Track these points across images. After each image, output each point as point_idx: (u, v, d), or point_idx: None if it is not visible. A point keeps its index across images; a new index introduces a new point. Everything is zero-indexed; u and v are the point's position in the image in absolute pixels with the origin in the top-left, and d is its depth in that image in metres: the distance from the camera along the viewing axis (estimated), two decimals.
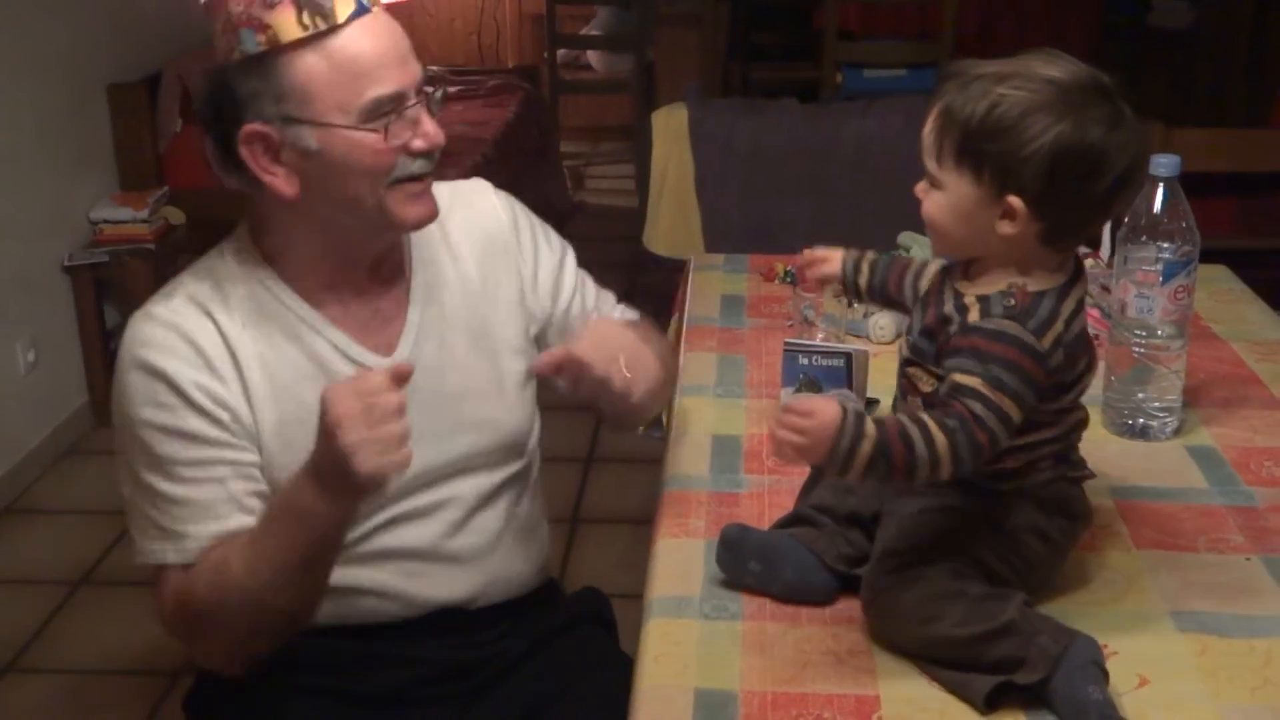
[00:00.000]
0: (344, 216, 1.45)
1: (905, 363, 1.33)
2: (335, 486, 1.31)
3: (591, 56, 6.50)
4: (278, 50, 1.36)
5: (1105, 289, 1.97)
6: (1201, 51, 5.11)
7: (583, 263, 1.76)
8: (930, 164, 1.27)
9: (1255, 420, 1.75)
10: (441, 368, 1.54)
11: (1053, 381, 1.26)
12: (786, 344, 1.76)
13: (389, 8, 1.45)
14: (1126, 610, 1.34)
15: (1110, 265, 1.91)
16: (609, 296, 1.78)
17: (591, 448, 3.55)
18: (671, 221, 3.63)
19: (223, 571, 1.39)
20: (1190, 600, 1.36)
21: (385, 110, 1.39)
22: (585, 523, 3.24)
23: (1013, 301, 1.25)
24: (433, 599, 1.55)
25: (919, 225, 1.34)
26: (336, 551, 1.41)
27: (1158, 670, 1.25)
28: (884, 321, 2.01)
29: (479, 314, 1.59)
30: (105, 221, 3.78)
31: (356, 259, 1.51)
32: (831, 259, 1.53)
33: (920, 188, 1.30)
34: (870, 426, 1.20)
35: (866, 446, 1.19)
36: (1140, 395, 1.69)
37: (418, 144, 1.42)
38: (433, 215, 1.48)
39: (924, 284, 1.42)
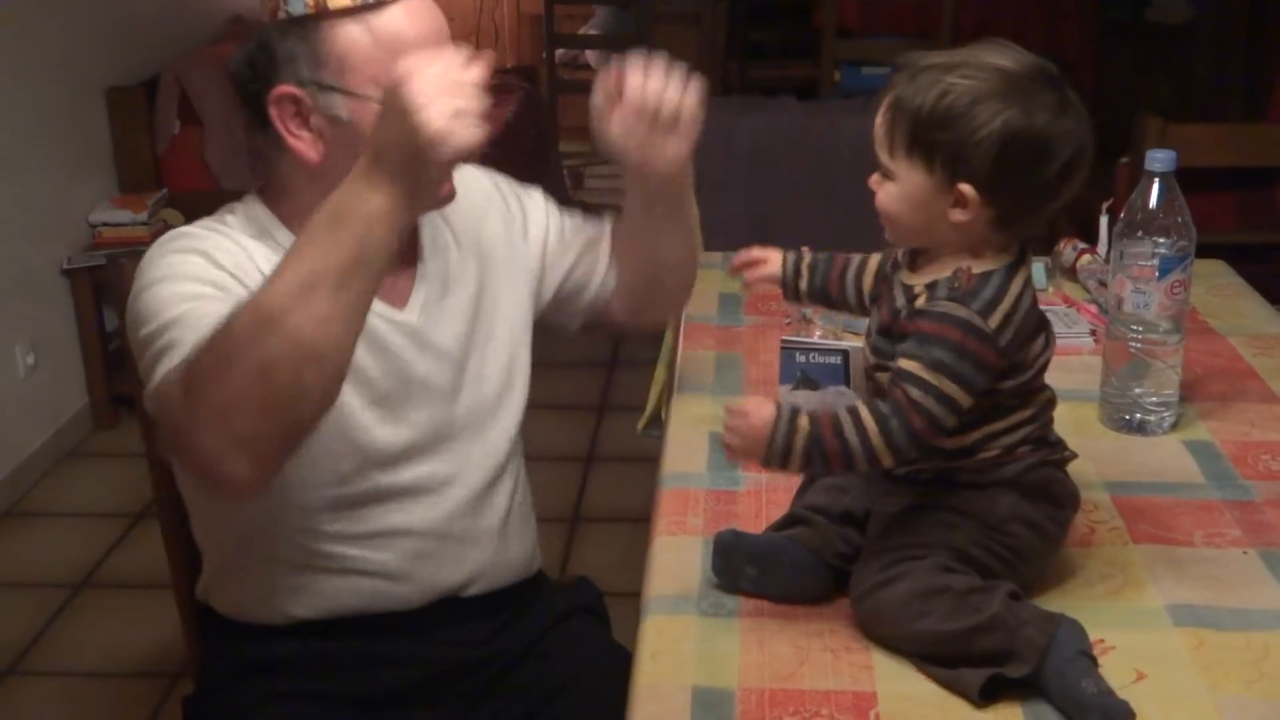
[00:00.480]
0: None
1: (871, 369, 1.34)
2: (392, 161, 1.22)
3: (590, 56, 6.50)
4: (323, 15, 1.37)
5: (1102, 284, 1.98)
6: (1199, 47, 5.11)
7: None
8: (883, 155, 1.29)
9: (1252, 414, 1.75)
10: (451, 321, 1.56)
11: (1009, 361, 1.27)
12: (783, 342, 1.76)
13: None
14: (1123, 605, 1.34)
15: (1107, 260, 1.91)
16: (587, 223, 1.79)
17: (591, 447, 3.55)
18: None
19: (232, 313, 1.25)
20: (1187, 594, 1.36)
21: None
22: (585, 521, 3.24)
23: (958, 284, 1.26)
24: (434, 582, 1.55)
25: None
26: (376, 276, 1.25)
27: (1154, 664, 1.25)
28: None
29: (480, 272, 1.61)
30: (104, 224, 3.79)
31: None
32: (771, 260, 1.54)
33: (874, 180, 1.31)
34: (803, 421, 1.25)
35: (799, 441, 1.24)
36: (1137, 390, 1.69)
37: None
38: (452, 196, 1.48)
39: (867, 280, 1.45)
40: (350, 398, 1.45)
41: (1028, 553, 1.32)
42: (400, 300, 1.53)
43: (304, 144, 1.41)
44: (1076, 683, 1.16)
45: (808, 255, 1.52)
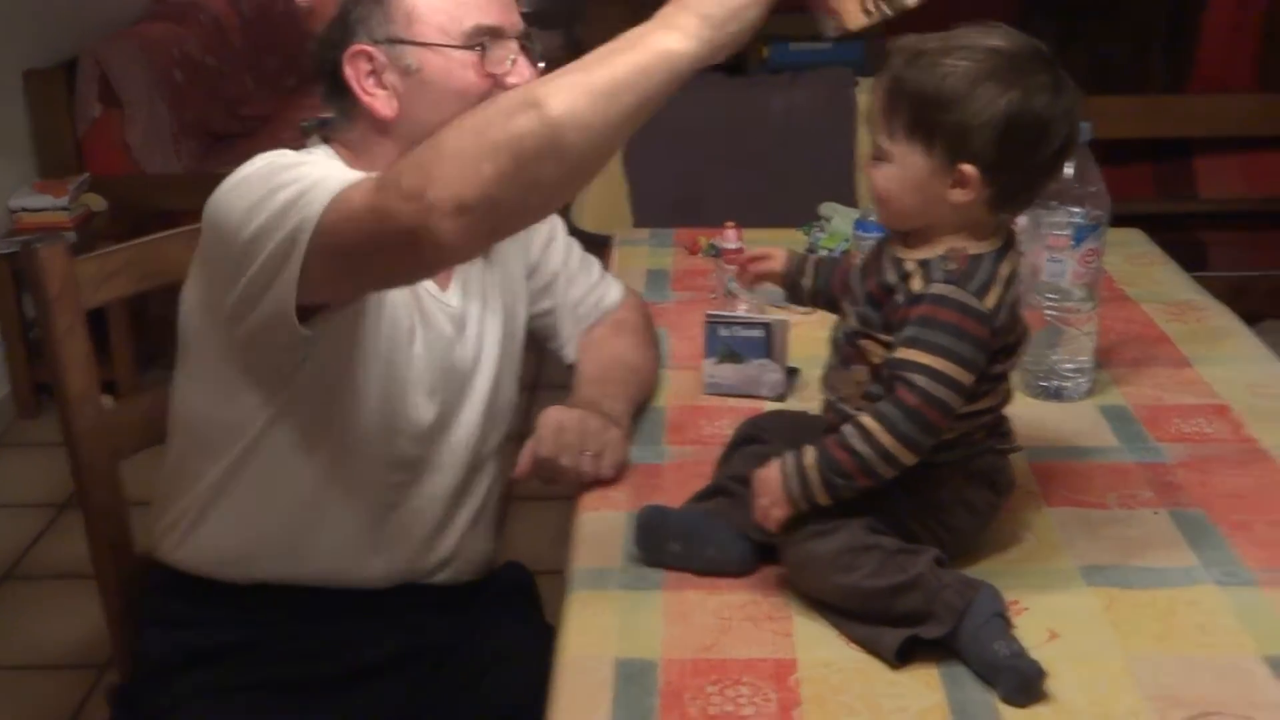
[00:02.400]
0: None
1: (853, 334, 1.34)
2: (695, 13, 1.18)
3: None
4: None
5: (1021, 254, 2.00)
6: (1122, 22, 5.17)
7: None
8: (881, 139, 1.29)
9: (1164, 379, 1.79)
10: (482, 312, 1.61)
11: (1000, 343, 1.29)
12: (708, 316, 1.77)
13: None
14: (1038, 567, 1.37)
15: None
16: (592, 266, 1.85)
17: (523, 425, 3.53)
18: (599, 197, 3.63)
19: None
20: (1099, 555, 1.39)
21: (485, 40, 1.46)
22: (519, 500, 3.24)
23: (953, 266, 1.28)
24: (404, 563, 1.58)
25: (842, 196, 1.37)
26: (648, 107, 1.18)
27: (1067, 624, 1.28)
28: None
29: (498, 269, 1.66)
30: (24, 209, 3.72)
31: None
32: (774, 257, 1.55)
33: (868, 163, 1.32)
34: (808, 454, 1.26)
35: (813, 474, 1.26)
36: (1054, 357, 1.71)
37: (513, 79, 1.47)
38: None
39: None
40: (410, 351, 1.52)
41: (960, 532, 1.35)
42: (445, 282, 1.58)
43: (378, 101, 1.48)
44: (990, 645, 1.19)
45: (812, 257, 1.54)
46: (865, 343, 1.32)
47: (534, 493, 3.22)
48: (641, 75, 1.16)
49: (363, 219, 1.25)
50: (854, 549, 1.26)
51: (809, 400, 1.72)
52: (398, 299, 1.49)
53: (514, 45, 1.48)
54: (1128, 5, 4.98)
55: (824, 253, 2.11)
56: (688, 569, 1.37)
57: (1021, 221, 1.99)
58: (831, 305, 1.50)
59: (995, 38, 1.26)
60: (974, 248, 1.29)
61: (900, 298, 1.29)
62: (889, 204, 1.32)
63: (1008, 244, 1.32)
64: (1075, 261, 1.66)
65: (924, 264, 1.29)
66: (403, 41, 1.46)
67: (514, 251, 1.70)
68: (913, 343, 1.25)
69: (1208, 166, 3.72)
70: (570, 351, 1.79)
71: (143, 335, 3.62)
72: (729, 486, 1.41)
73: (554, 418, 1.55)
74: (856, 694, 1.19)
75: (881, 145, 1.30)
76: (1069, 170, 1.65)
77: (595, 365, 1.72)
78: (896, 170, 1.29)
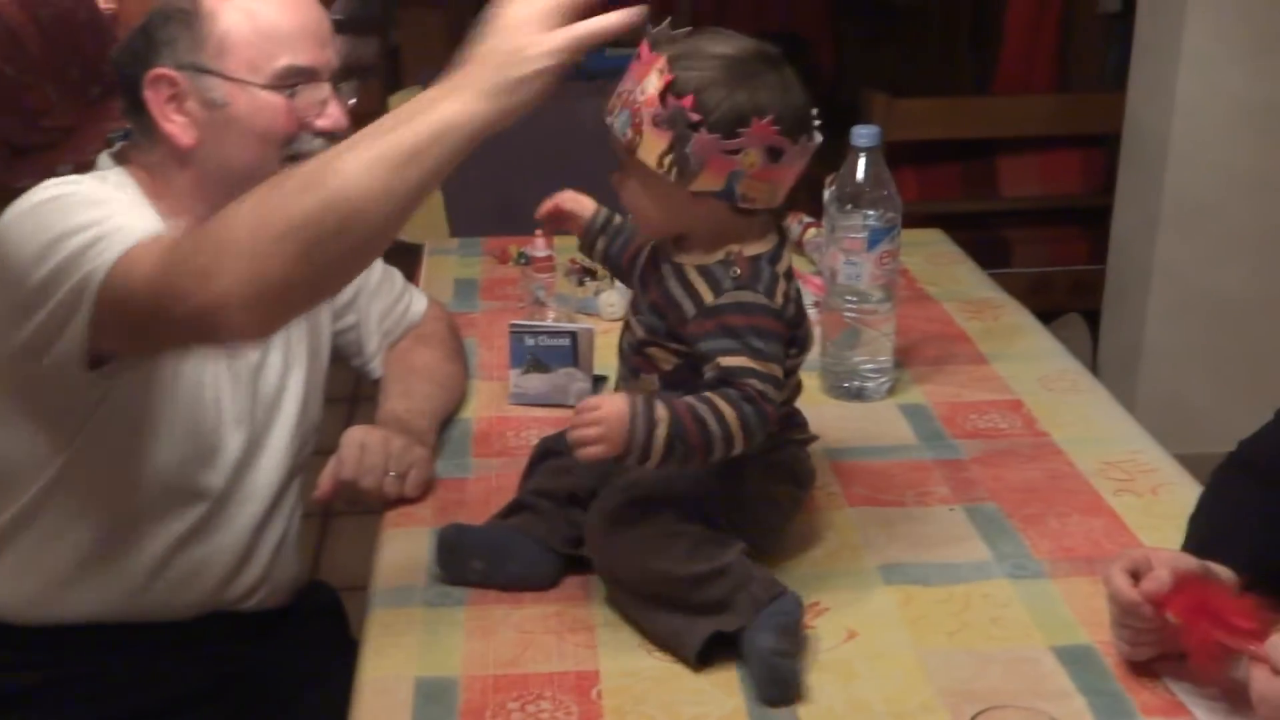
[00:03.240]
0: (236, 180, 1.38)
1: (641, 343, 1.34)
2: (486, 68, 1.18)
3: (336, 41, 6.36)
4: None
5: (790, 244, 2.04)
6: (930, 25, 5.31)
7: None
8: (621, 155, 1.29)
9: (963, 376, 1.83)
10: (286, 333, 1.56)
11: (790, 335, 1.31)
12: (512, 325, 1.76)
13: None
14: (838, 568, 1.39)
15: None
16: (395, 279, 1.82)
17: (329, 442, 3.47)
18: None
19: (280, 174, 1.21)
20: (897, 553, 1.41)
21: (296, 81, 1.41)
22: (338, 517, 3.18)
23: (737, 270, 1.28)
24: (212, 593, 1.53)
25: None
26: (437, 174, 1.18)
27: (865, 622, 1.30)
28: (614, 299, 2.03)
29: None
30: None
31: None
32: (584, 205, 1.50)
33: (616, 179, 1.31)
34: (662, 410, 1.23)
35: (662, 430, 1.22)
36: (854, 358, 1.74)
37: (322, 123, 1.44)
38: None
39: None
40: (217, 381, 1.48)
41: (766, 526, 1.36)
42: None
43: (177, 128, 1.42)
44: (764, 643, 1.19)
45: (619, 219, 1.49)
46: (653, 350, 1.32)
47: (352, 508, 3.21)
48: (432, 143, 1.14)
49: (151, 288, 1.20)
50: (667, 534, 1.27)
51: None
52: None
53: (326, 88, 1.45)
54: (936, 8, 5.13)
55: None
56: (492, 585, 1.36)
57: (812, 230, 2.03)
58: (617, 271, 1.50)
59: (721, 44, 1.26)
60: (749, 249, 1.30)
61: (690, 309, 1.29)
62: (643, 217, 1.32)
63: (781, 241, 1.33)
64: (871, 264, 1.69)
65: (704, 271, 1.29)
66: (210, 72, 1.40)
67: None
68: (733, 351, 1.26)
69: (1010, 166, 3.84)
70: (376, 367, 1.76)
71: None
72: (532, 502, 1.39)
73: (356, 438, 1.51)
74: (658, 703, 1.19)
75: (621, 159, 1.29)
76: (860, 174, 1.68)
77: (400, 380, 1.70)
78: (633, 184, 1.29)
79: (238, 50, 1.40)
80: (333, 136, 1.43)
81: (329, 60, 1.46)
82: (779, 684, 1.18)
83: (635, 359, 1.35)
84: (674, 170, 1.24)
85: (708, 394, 1.24)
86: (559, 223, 1.51)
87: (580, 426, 1.23)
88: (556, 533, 1.37)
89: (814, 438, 1.42)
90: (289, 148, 1.42)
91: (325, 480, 1.50)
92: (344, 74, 1.48)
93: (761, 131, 1.23)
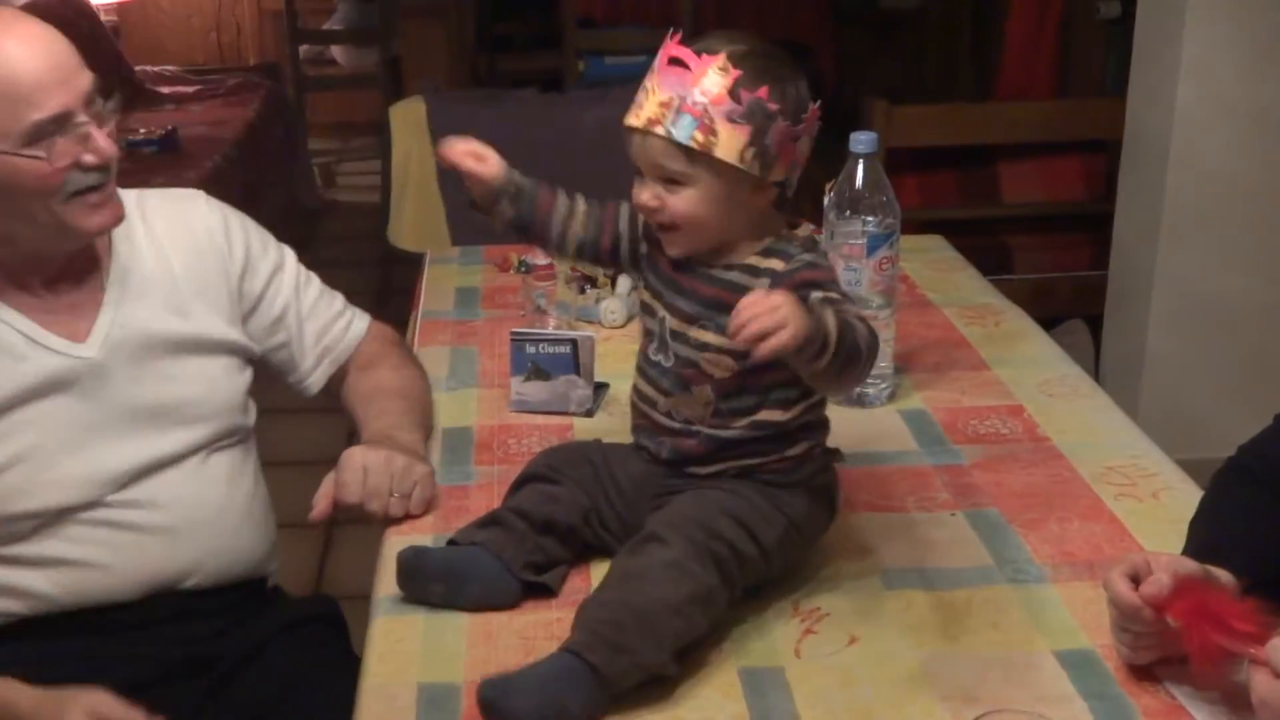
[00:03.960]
0: (21, 229, 1.45)
1: (686, 360, 1.33)
2: None
3: (336, 51, 6.38)
4: None
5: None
6: (930, 32, 5.32)
7: (334, 260, 1.76)
8: (676, 165, 1.27)
9: (964, 382, 1.83)
10: (140, 357, 1.54)
11: None
12: (513, 334, 1.76)
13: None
14: (839, 573, 1.39)
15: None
16: (335, 300, 1.77)
17: (343, 449, 3.47)
18: (416, 215, 3.59)
19: None
20: (898, 558, 1.42)
21: (49, 132, 1.39)
22: (341, 526, 3.18)
23: (795, 243, 1.31)
24: (144, 572, 1.52)
25: None
26: None
27: (866, 628, 1.30)
28: (614, 306, 2.03)
29: (181, 308, 1.58)
30: None
31: (41, 261, 1.50)
32: (489, 162, 1.44)
33: (653, 195, 1.29)
34: (817, 296, 1.23)
35: (831, 316, 1.20)
36: None
37: (88, 159, 1.42)
38: (115, 221, 1.49)
39: (576, 228, 1.44)
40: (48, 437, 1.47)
41: (788, 556, 1.35)
42: (81, 335, 1.51)
43: None
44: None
45: (528, 183, 1.46)
46: (708, 356, 1.31)
47: (354, 516, 3.21)
48: None
49: None
50: (681, 568, 1.24)
51: (617, 415, 1.73)
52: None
53: (83, 122, 1.41)
54: (936, 15, 5.14)
55: None
56: (454, 606, 1.34)
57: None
58: (528, 235, 1.47)
59: (751, 39, 1.28)
60: (789, 235, 1.33)
61: (764, 282, 1.28)
62: (699, 227, 1.30)
63: (812, 240, 1.35)
64: (870, 270, 1.70)
65: (765, 252, 1.30)
66: None
67: (211, 282, 1.62)
68: (826, 291, 1.26)
69: (1010, 172, 3.84)
70: (314, 384, 1.73)
71: None
72: (506, 519, 1.37)
73: (357, 460, 1.50)
74: (659, 708, 1.19)
75: (680, 170, 1.27)
76: (859, 180, 1.68)
77: (369, 403, 1.68)
78: (700, 190, 1.28)
79: None
80: (103, 168, 1.43)
81: (79, 92, 1.41)
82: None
83: (686, 371, 1.33)
84: (756, 163, 1.26)
85: (843, 312, 1.23)
86: (469, 166, 1.43)
87: (756, 317, 1.14)
88: (521, 557, 1.35)
89: (843, 456, 1.42)
90: (65, 192, 1.41)
91: (322, 501, 1.49)
92: (101, 88, 1.45)
93: (813, 118, 1.28)
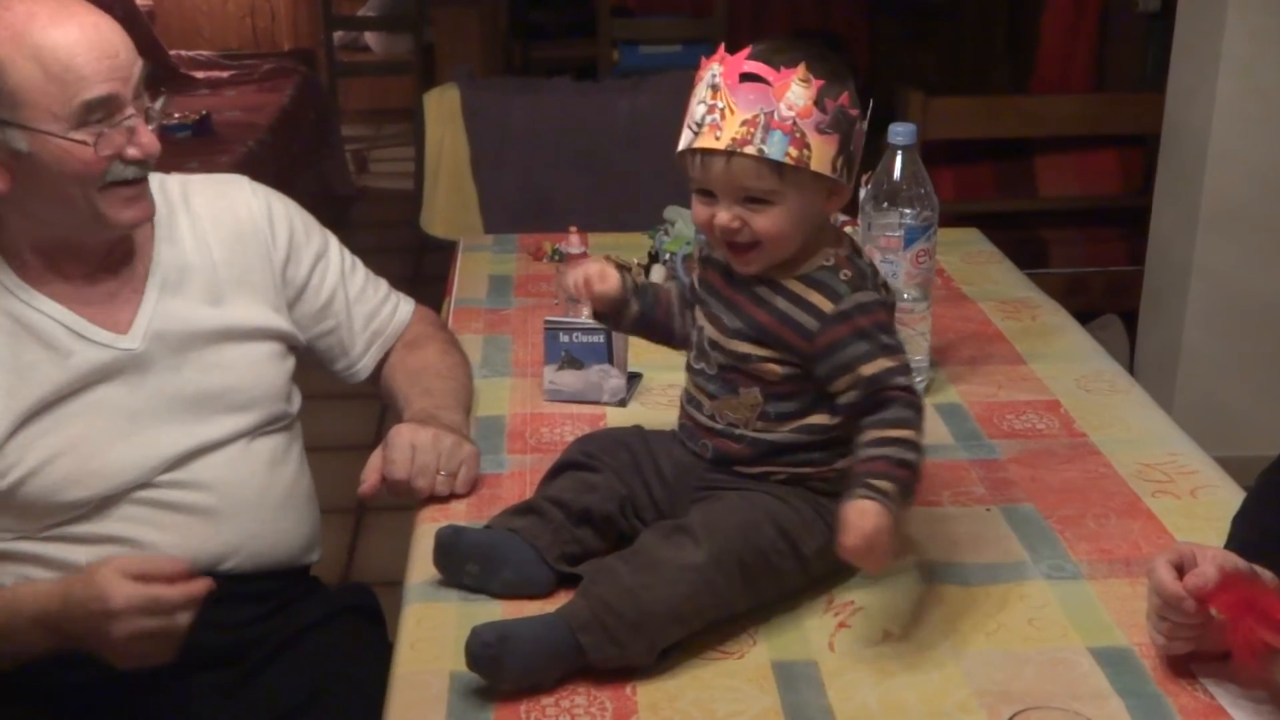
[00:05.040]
0: (58, 214, 1.46)
1: (733, 366, 1.32)
2: (70, 634, 1.37)
3: (370, 38, 6.39)
4: None
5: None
6: (966, 24, 5.29)
7: (366, 248, 1.76)
8: (767, 184, 1.24)
9: (999, 376, 1.82)
10: (182, 348, 1.55)
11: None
12: (547, 322, 1.75)
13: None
14: None
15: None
16: (380, 285, 1.79)
17: (377, 434, 3.49)
18: (449, 202, 3.60)
19: None
20: (933, 552, 1.41)
21: (97, 116, 1.41)
22: (373, 511, 3.19)
23: (846, 273, 1.29)
24: (184, 552, 1.50)
25: (687, 199, 1.33)
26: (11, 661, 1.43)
27: (901, 622, 1.29)
28: None
29: (222, 297, 1.59)
30: None
31: (78, 250, 1.51)
32: (609, 279, 1.44)
33: (733, 216, 1.26)
34: (886, 485, 1.21)
35: (896, 498, 1.21)
36: None
37: (131, 152, 1.44)
38: (146, 217, 1.51)
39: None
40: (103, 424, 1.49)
41: (829, 562, 1.33)
42: (124, 326, 1.52)
43: None
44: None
45: (639, 282, 1.48)
46: (757, 366, 1.30)
47: (387, 502, 3.21)
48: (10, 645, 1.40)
49: None
50: (693, 572, 1.24)
51: (650, 405, 1.73)
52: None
53: (131, 113, 1.43)
54: (971, 6, 5.10)
55: (668, 256, 2.11)
56: (485, 590, 1.34)
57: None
58: (650, 329, 1.47)
59: (802, 47, 1.26)
60: (839, 250, 1.31)
61: (812, 323, 1.28)
62: (781, 244, 1.28)
63: (851, 240, 1.34)
64: (907, 262, 1.69)
65: (813, 282, 1.29)
66: (9, 124, 1.39)
67: (254, 267, 1.63)
68: (871, 356, 1.26)
69: (1047, 165, 3.82)
70: (364, 369, 1.74)
71: None
72: (543, 507, 1.37)
73: (406, 438, 1.51)
74: (692, 699, 1.19)
75: (769, 189, 1.24)
76: (897, 172, 1.67)
77: (414, 383, 1.69)
78: (787, 208, 1.26)
79: (34, 100, 1.38)
80: (144, 163, 1.45)
81: (129, 80, 1.43)
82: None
83: (731, 375, 1.33)
84: (845, 170, 1.26)
85: (883, 433, 1.25)
86: (597, 295, 1.44)
87: (864, 557, 1.21)
88: (556, 548, 1.34)
89: None
90: (103, 179, 1.43)
91: (371, 475, 1.51)
92: (151, 82, 1.47)
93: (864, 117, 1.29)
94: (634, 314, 1.45)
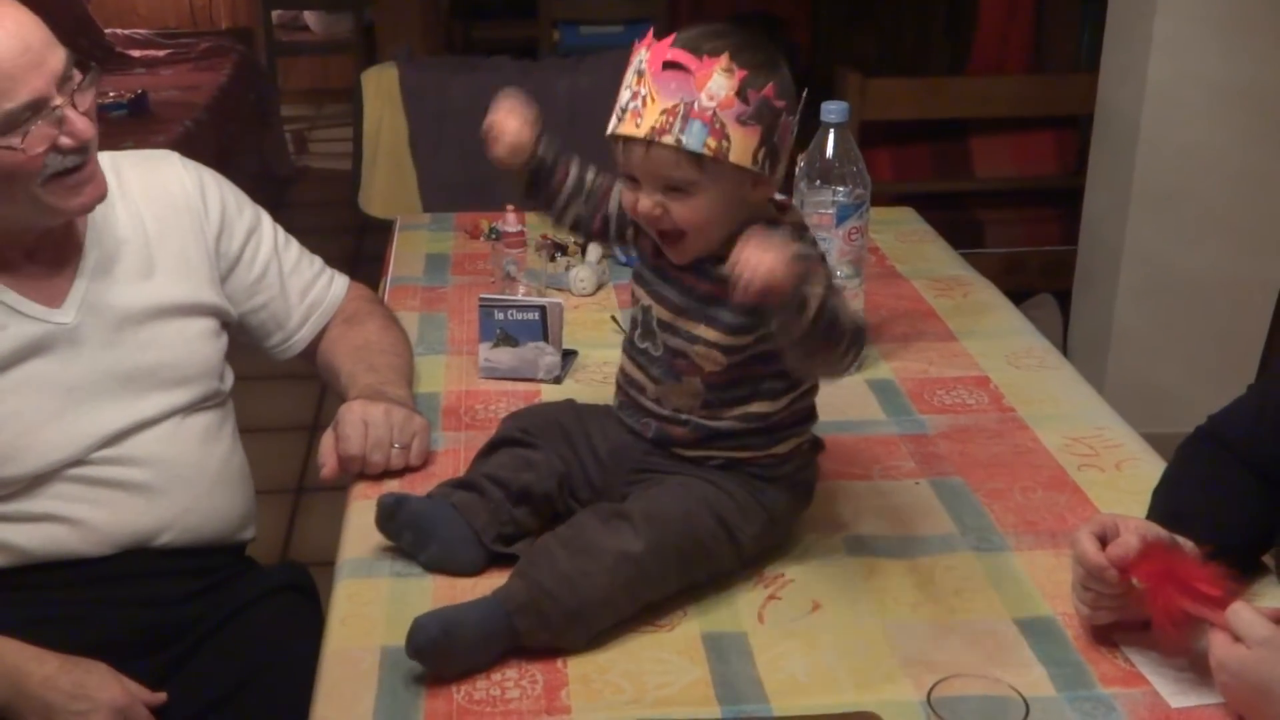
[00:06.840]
0: (6, 210, 1.44)
1: (676, 351, 1.31)
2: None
3: (309, 17, 6.33)
4: None
5: None
6: (907, 5, 5.31)
7: (306, 228, 1.74)
8: (685, 174, 1.22)
9: (931, 353, 1.84)
10: (115, 323, 1.53)
11: None
12: (481, 299, 1.75)
13: None
14: (803, 540, 1.40)
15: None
16: (314, 260, 1.79)
17: (316, 416, 3.47)
18: (387, 182, 3.58)
19: None
20: (862, 525, 1.42)
21: (23, 120, 1.37)
22: (310, 492, 3.18)
23: (786, 229, 1.26)
24: (118, 527, 1.51)
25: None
26: None
27: (829, 594, 1.31)
28: (584, 274, 2.03)
29: (155, 272, 1.58)
30: None
31: (20, 234, 1.49)
32: (526, 128, 1.40)
33: (655, 204, 1.24)
34: (817, 268, 1.19)
35: (820, 286, 1.16)
36: None
37: (65, 142, 1.42)
38: (98, 198, 1.48)
39: (578, 205, 1.41)
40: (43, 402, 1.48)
41: (764, 545, 1.35)
42: (57, 300, 1.51)
43: None
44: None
45: (564, 156, 1.43)
46: (699, 349, 1.30)
47: (325, 483, 3.20)
48: None
49: None
50: (631, 558, 1.24)
51: (584, 382, 1.73)
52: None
53: (55, 102, 1.39)
54: None
55: None
56: (414, 560, 1.35)
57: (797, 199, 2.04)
58: (582, 230, 1.44)
59: (736, 32, 1.24)
60: (779, 218, 1.30)
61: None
62: (705, 232, 1.26)
63: (798, 214, 1.35)
64: (840, 239, 1.70)
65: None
66: None
67: (188, 242, 1.62)
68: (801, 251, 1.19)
69: (983, 146, 3.85)
70: (299, 342, 1.74)
71: None
72: (481, 484, 1.37)
73: (357, 414, 1.51)
74: (623, 671, 1.20)
75: (688, 180, 1.22)
76: (830, 150, 1.68)
77: (356, 359, 1.68)
78: (709, 196, 1.23)
79: None
80: (82, 149, 1.42)
81: (51, 74, 1.39)
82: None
83: (676, 362, 1.32)
84: (767, 163, 1.23)
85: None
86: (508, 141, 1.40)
87: (753, 258, 1.13)
88: (493, 528, 1.34)
89: (823, 447, 1.42)
90: (43, 174, 1.41)
91: (328, 456, 1.51)
92: (77, 63, 1.43)
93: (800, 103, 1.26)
94: (570, 186, 1.40)
